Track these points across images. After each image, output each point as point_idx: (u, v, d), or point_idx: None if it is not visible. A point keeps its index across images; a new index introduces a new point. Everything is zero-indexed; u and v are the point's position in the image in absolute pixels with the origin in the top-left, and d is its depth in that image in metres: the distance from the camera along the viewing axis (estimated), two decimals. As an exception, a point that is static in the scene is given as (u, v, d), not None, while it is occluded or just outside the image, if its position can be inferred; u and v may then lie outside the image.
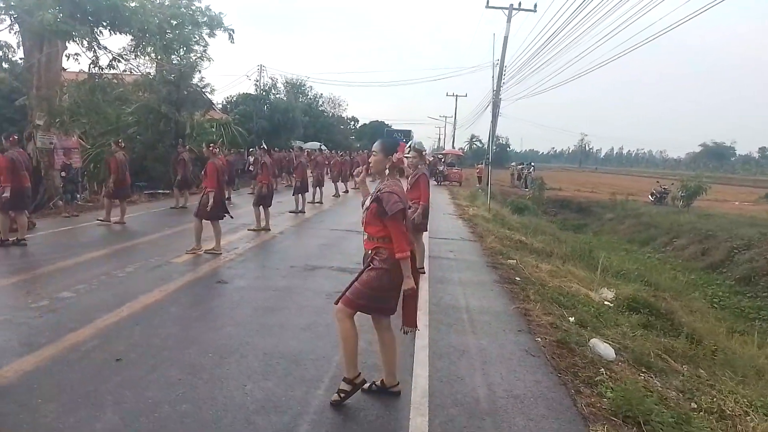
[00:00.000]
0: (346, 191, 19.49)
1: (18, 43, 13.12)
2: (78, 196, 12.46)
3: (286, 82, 43.88)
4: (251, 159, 18.87)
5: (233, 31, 15.74)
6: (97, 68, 13.21)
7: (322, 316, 5.15)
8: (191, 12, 14.65)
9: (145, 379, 3.64)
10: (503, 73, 24.23)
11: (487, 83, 21.90)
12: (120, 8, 11.76)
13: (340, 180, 18.82)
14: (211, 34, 16.80)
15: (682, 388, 4.39)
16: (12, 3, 11.64)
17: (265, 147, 12.67)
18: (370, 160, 3.52)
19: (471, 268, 8.10)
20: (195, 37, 15.62)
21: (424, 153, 7.53)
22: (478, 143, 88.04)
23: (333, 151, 29.21)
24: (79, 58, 13.13)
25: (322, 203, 15.62)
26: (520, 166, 40.92)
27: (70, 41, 12.39)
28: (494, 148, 25.26)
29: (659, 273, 12.28)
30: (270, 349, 4.30)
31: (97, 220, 10.39)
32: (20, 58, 13.13)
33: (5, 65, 13.01)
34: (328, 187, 17.30)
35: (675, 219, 19.40)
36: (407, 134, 44.85)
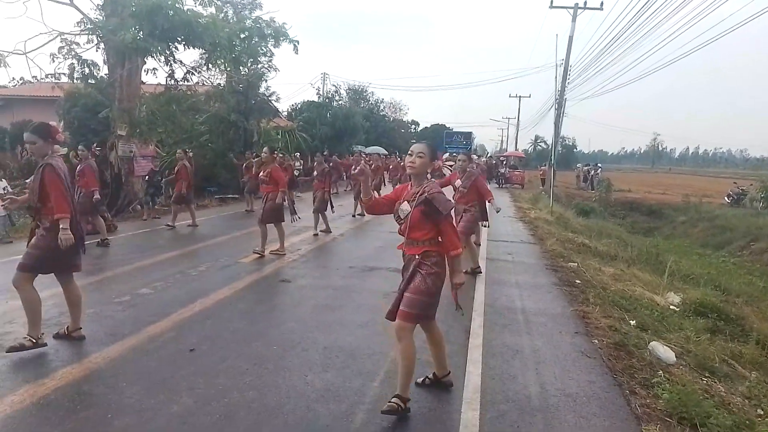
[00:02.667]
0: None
1: (103, 60, 14.22)
2: (157, 200, 13.34)
3: (348, 88, 44.81)
4: (298, 164, 19.41)
5: (298, 42, 16.30)
6: (172, 81, 14.10)
7: (378, 314, 5.33)
8: (258, 25, 15.30)
9: (216, 368, 3.96)
10: (568, 72, 23.65)
11: (551, 84, 21.45)
12: (193, 25, 12.52)
13: (399, 184, 19.01)
14: (276, 45, 17.43)
15: (749, 395, 4.25)
16: (99, 24, 12.63)
17: (325, 153, 13.08)
18: (411, 162, 3.37)
19: (529, 271, 8.06)
20: (262, 49, 16.29)
21: (471, 155, 7.73)
22: (542, 144, 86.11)
23: (394, 155, 29.52)
24: (156, 72, 14.08)
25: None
26: (586, 168, 39.66)
27: (149, 57, 13.30)
28: (559, 149, 24.67)
29: (733, 278, 11.64)
30: (329, 344, 4.52)
31: (166, 225, 11.00)
32: (105, 74, 14.17)
33: (91, 81, 14.05)
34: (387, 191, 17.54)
35: (753, 222, 18.26)
36: (468, 136, 44.50)
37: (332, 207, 9.21)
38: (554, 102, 21.07)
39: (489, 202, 7.50)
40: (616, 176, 44.73)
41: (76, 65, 13.12)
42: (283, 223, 8.48)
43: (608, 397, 3.74)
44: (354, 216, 13.41)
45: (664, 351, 4.74)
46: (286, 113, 34.77)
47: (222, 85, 18.40)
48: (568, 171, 51.28)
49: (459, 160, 7.36)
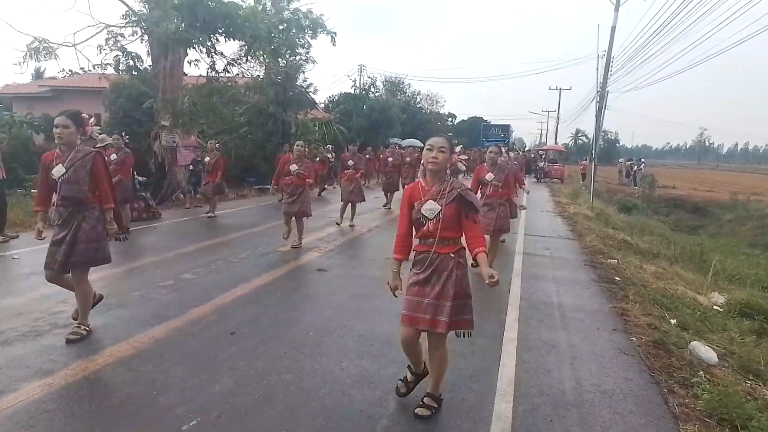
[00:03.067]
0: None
1: (147, 52, 14.64)
2: (199, 189, 13.71)
3: (385, 80, 44.78)
4: (331, 156, 19.49)
5: (335, 34, 16.37)
6: (213, 72, 14.40)
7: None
8: (296, 17, 15.45)
9: (255, 351, 4.08)
10: (610, 64, 23.06)
11: (593, 75, 20.94)
12: (234, 16, 12.75)
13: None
14: (314, 36, 17.53)
15: (796, 399, 4.11)
16: (143, 16, 13.01)
17: (357, 145, 13.12)
18: (433, 158, 3.11)
19: (567, 266, 7.95)
20: (300, 41, 16.45)
21: (501, 148, 7.56)
22: (583, 138, 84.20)
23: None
24: (198, 63, 14.39)
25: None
26: (629, 162, 38.61)
27: (191, 48, 13.60)
28: (600, 143, 24.14)
29: (783, 279, 11.19)
30: (365, 332, 4.60)
31: (206, 215, 11.23)
32: (148, 66, 14.58)
33: (135, 72, 14.49)
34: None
35: (807, 221, 17.49)
36: (506, 129, 43.92)
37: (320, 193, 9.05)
38: (596, 94, 20.58)
39: (521, 187, 7.39)
40: (660, 172, 43.43)
41: (121, 57, 13.55)
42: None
43: (645, 395, 3.69)
44: (387, 207, 13.44)
45: (705, 351, 4.62)
46: (323, 105, 35.05)
47: (261, 76, 18.68)
48: (610, 166, 50.07)
49: (490, 152, 7.26)
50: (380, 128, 31.42)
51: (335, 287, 6.07)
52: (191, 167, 13.51)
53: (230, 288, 5.75)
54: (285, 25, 15.13)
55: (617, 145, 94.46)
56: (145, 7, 13.81)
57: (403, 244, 3.31)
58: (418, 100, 49.32)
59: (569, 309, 5.69)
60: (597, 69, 19.20)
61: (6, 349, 3.91)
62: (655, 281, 7.45)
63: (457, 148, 3.32)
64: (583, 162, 35.34)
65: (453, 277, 3.13)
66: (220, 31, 13.34)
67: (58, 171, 4.03)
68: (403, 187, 13.04)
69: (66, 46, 13.24)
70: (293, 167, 7.98)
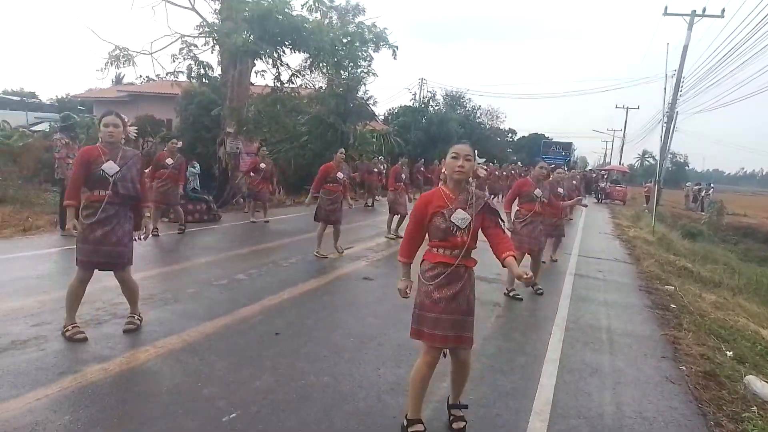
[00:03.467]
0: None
1: (218, 61, 15.40)
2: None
3: (446, 93, 44.76)
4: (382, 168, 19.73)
5: (397, 48, 16.59)
6: (278, 83, 14.94)
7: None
8: (360, 30, 15.81)
9: (297, 352, 4.23)
10: (680, 84, 22.22)
11: (662, 95, 20.22)
12: (300, 29, 13.21)
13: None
14: (376, 50, 17.82)
15: None
16: (216, 28, 13.70)
17: (407, 159, 13.23)
18: (460, 167, 2.99)
19: (620, 290, 7.71)
20: (362, 54, 16.78)
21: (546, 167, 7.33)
22: (650, 160, 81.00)
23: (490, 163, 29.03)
24: (264, 74, 14.98)
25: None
26: (697, 187, 36.80)
27: (258, 59, 14.19)
28: (668, 165, 23.23)
29: None
30: (404, 342, 4.63)
31: (262, 220, 11.61)
32: (218, 75, 15.33)
33: (205, 80, 15.25)
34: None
35: None
36: (567, 147, 42.92)
37: (350, 205, 8.74)
38: (663, 115, 19.85)
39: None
40: (732, 198, 41.14)
41: (193, 65, 14.30)
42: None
43: (689, 425, 3.56)
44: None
45: (761, 387, 4.39)
46: (382, 117, 35.48)
47: (323, 88, 19.18)
48: (677, 189, 47.87)
49: (541, 168, 7.06)
50: (438, 142, 31.39)
51: (379, 296, 6.17)
52: (252, 174, 13.99)
53: (278, 291, 5.96)
54: (349, 38, 15.49)
55: (686, 168, 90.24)
56: (217, 19, 14.56)
57: (413, 250, 3.21)
58: (478, 114, 48.97)
59: (617, 333, 5.53)
60: (665, 89, 18.54)
61: (71, 334, 4.23)
62: (714, 311, 7.12)
63: (480, 160, 3.14)
64: (647, 184, 33.99)
65: (473, 291, 3.13)
66: (287, 43, 13.84)
67: (110, 168, 4.08)
68: None
69: (144, 54, 14.16)
70: (340, 174, 8.09)
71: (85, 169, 4.07)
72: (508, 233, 8.75)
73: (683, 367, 4.66)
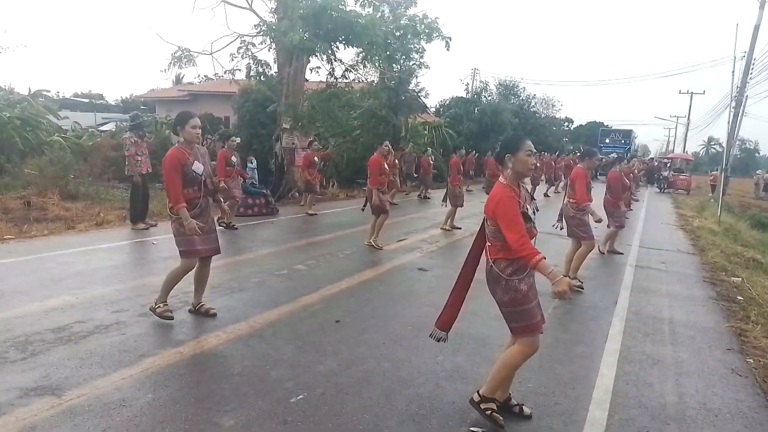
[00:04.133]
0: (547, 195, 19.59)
1: (274, 59, 15.82)
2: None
3: (499, 83, 44.00)
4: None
5: (450, 39, 16.43)
6: (332, 78, 15.20)
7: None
8: (413, 24, 15.80)
9: (357, 339, 4.38)
10: (751, 66, 21.00)
11: (730, 79, 19.20)
12: (354, 25, 13.35)
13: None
14: (428, 41, 17.70)
15: None
16: (273, 26, 14.06)
17: (464, 152, 13.15)
18: (533, 163, 3.08)
19: (683, 282, 7.47)
20: (414, 46, 16.75)
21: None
22: (716, 147, 76.98)
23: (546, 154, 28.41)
24: (319, 70, 15.28)
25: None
26: (768, 175, 34.75)
27: (313, 56, 14.48)
28: (737, 152, 22.08)
29: None
30: (461, 331, 4.69)
31: (307, 213, 11.81)
32: (274, 72, 15.73)
33: (262, 78, 15.69)
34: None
35: None
36: (627, 134, 41.36)
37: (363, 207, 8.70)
38: (731, 100, 18.83)
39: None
40: (809, 186, 38.52)
41: (252, 64, 14.74)
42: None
43: (757, 418, 3.47)
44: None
45: (836, 382, 4.20)
46: (434, 109, 35.32)
47: (375, 81, 19.31)
48: (747, 178, 45.29)
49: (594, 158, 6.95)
50: (490, 133, 30.99)
51: (434, 286, 6.25)
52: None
53: (336, 281, 6.14)
54: (402, 31, 15.53)
55: (756, 155, 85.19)
56: (274, 18, 14.93)
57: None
58: (533, 103, 47.88)
59: (680, 325, 5.39)
60: (733, 72, 17.57)
61: (147, 320, 4.54)
62: (786, 304, 6.78)
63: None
64: (713, 173, 32.37)
65: None
66: (341, 39, 14.03)
67: (198, 167, 4.42)
68: None
69: (204, 54, 14.72)
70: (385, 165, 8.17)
71: (182, 171, 4.33)
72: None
73: (750, 360, 4.51)
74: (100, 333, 4.18)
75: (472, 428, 3.11)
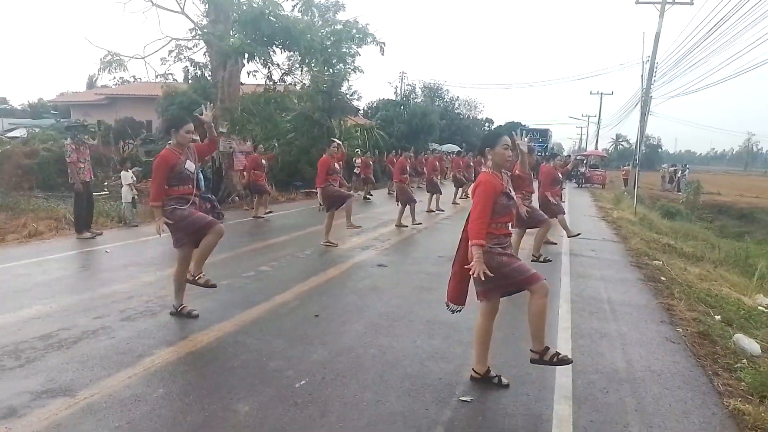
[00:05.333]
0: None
1: (206, 63, 15.63)
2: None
3: (424, 86, 45.31)
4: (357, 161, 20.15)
5: (384, 44, 16.90)
6: (270, 82, 15.24)
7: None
8: (348, 29, 16.13)
9: (339, 330, 4.68)
10: (654, 70, 23.05)
11: (635, 81, 21.01)
12: (291, 30, 13.52)
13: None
14: (360, 44, 18.03)
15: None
16: (209, 31, 13.93)
17: (398, 151, 13.68)
18: (509, 155, 3.67)
19: (613, 267, 8.32)
20: (349, 51, 17.09)
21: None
22: (624, 144, 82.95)
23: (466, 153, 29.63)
24: (256, 74, 15.27)
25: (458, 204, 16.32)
26: (672, 168, 38.04)
27: (251, 60, 14.47)
28: (643, 149, 24.09)
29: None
30: (431, 318, 5.13)
31: (259, 216, 11.93)
32: (208, 75, 15.55)
33: (201, 82, 15.48)
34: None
35: None
36: (544, 134, 43.65)
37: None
38: (639, 100, 20.63)
39: None
40: (705, 178, 42.46)
41: (189, 68, 14.51)
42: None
43: (692, 375, 4.12)
44: (433, 211, 13.97)
45: (749, 343, 4.98)
46: (362, 111, 35.82)
47: (308, 85, 19.48)
48: (652, 172, 49.28)
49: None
50: (420, 134, 31.97)
51: (397, 280, 6.64)
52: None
53: (304, 279, 6.40)
54: (337, 36, 15.86)
55: (659, 150, 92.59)
56: (206, 21, 14.75)
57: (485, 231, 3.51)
58: (456, 105, 49.66)
59: (618, 303, 6.10)
60: (641, 75, 19.29)
61: (132, 324, 4.61)
62: (700, 282, 7.74)
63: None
64: (625, 168, 35.07)
65: None
66: (278, 43, 14.14)
67: (191, 166, 4.66)
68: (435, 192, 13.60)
69: (136, 58, 14.32)
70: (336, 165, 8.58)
71: (169, 172, 4.54)
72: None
73: (680, 329, 5.24)
74: (89, 338, 4.22)
75: (462, 398, 3.52)
